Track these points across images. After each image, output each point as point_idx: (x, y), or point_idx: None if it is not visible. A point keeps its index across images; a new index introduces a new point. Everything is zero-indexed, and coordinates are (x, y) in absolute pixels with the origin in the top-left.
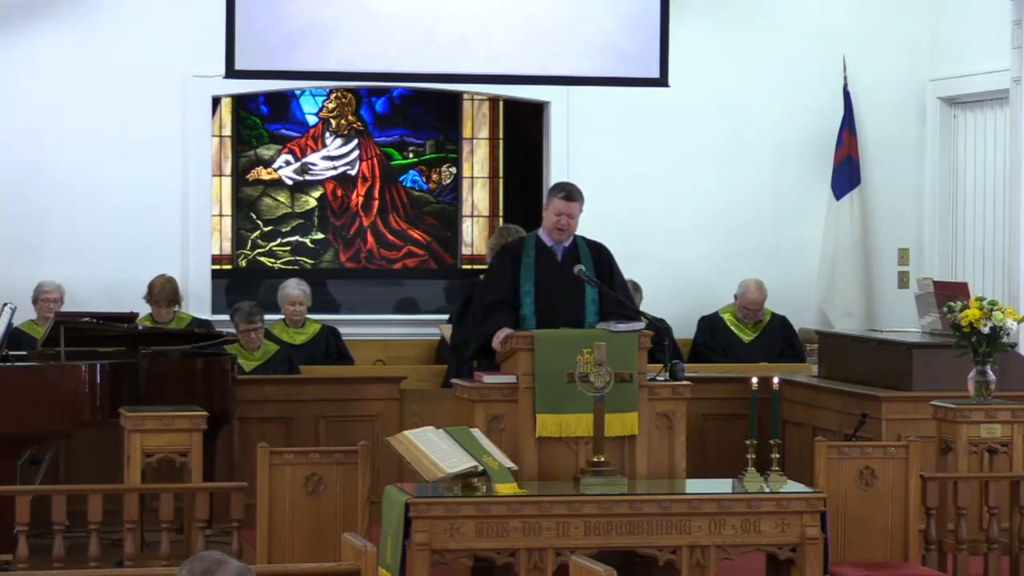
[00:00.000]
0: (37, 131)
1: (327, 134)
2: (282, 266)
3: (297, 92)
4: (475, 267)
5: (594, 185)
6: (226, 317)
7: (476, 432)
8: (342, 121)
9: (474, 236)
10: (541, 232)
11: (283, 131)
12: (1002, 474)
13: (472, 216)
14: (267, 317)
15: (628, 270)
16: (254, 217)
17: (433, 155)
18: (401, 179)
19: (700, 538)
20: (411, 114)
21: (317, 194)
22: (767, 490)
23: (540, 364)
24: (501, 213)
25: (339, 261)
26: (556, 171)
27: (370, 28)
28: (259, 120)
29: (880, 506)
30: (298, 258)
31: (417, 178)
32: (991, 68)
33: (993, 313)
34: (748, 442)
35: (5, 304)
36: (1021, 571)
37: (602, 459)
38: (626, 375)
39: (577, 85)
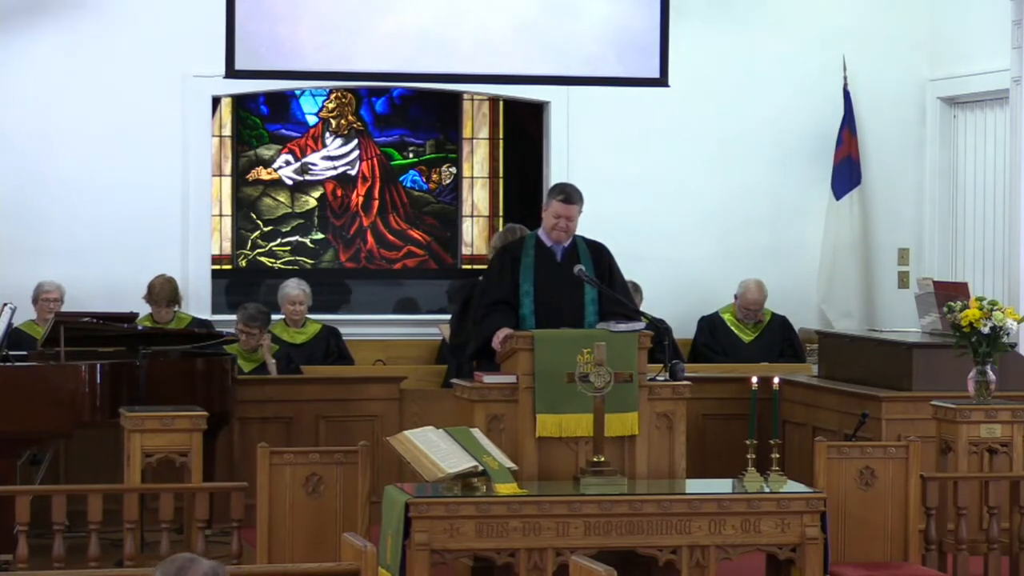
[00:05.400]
0: (37, 131)
1: (327, 134)
2: (282, 266)
3: (297, 92)
4: (475, 267)
5: (594, 185)
6: (226, 317)
7: (476, 432)
8: (342, 121)
9: (474, 236)
10: (541, 232)
11: (283, 131)
12: (1002, 474)
13: (472, 216)
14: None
15: (628, 270)
16: (254, 217)
17: (433, 155)
18: (401, 179)
19: (700, 538)
20: (411, 114)
21: (317, 194)
22: (767, 490)
23: (540, 364)
24: (501, 213)
25: (339, 261)
26: (556, 171)
27: (370, 28)
28: (259, 120)
29: (880, 506)
30: (298, 258)
31: (417, 178)
32: (991, 68)
33: (993, 313)
34: (748, 442)
35: (5, 304)
36: (1021, 571)
37: (602, 459)
38: (626, 375)
39: (577, 85)
